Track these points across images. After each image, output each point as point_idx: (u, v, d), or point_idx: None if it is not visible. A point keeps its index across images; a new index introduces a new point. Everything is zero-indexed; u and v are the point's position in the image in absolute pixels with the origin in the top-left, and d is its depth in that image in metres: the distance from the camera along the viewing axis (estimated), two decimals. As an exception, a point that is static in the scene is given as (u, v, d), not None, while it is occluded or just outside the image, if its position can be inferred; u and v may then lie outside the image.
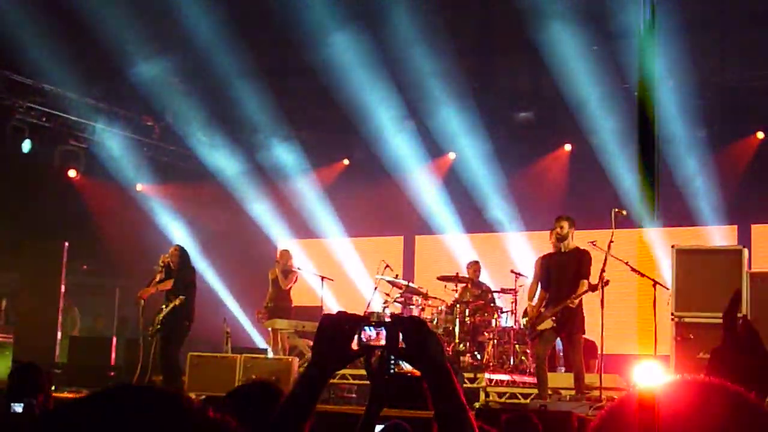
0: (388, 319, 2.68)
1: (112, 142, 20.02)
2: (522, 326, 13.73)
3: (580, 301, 12.18)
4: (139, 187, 21.30)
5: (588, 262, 12.41)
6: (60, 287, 17.38)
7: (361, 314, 2.75)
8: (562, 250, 12.44)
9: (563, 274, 12.34)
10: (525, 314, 13.22)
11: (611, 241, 12.36)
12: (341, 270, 20.25)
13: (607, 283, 12.08)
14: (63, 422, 1.44)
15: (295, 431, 2.53)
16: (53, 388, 13.00)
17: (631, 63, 16.53)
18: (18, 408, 7.01)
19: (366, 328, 2.63)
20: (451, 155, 20.06)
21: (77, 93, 18.80)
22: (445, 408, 2.50)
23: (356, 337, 2.63)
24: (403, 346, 2.59)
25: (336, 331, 2.63)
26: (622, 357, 14.89)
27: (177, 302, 14.06)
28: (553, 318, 12.20)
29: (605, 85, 17.36)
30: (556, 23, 16.76)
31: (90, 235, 19.92)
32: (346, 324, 2.64)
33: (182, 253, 14.62)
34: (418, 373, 2.66)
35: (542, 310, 12.37)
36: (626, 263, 13.04)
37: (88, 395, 1.50)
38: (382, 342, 2.61)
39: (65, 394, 11.94)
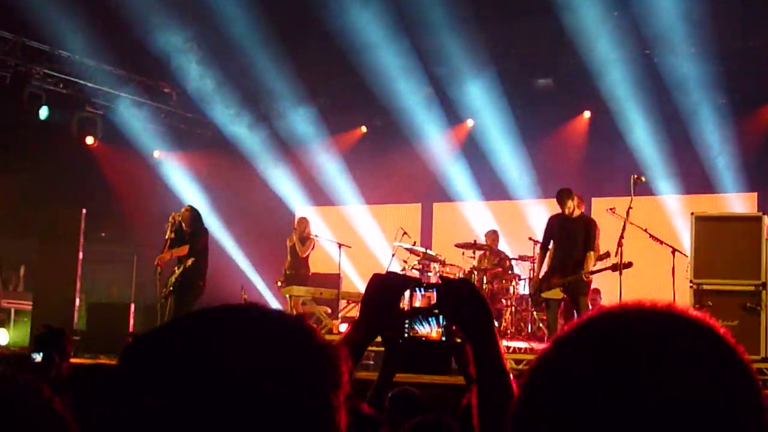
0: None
1: (130, 108, 20.00)
2: (530, 294, 13.69)
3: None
4: (156, 154, 21.30)
5: (595, 232, 12.53)
6: (78, 254, 17.36)
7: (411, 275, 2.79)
8: (568, 214, 12.54)
9: (571, 241, 12.43)
10: (532, 282, 13.26)
11: (630, 208, 12.39)
12: (359, 237, 20.25)
13: (629, 264, 12.12)
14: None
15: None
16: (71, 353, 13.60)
17: (652, 29, 16.35)
18: (38, 357, 7.05)
19: (416, 289, 2.63)
20: (470, 122, 19.94)
21: (94, 59, 18.73)
22: (489, 372, 2.47)
23: (406, 298, 2.62)
24: (451, 308, 2.57)
25: (385, 292, 2.62)
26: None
27: (188, 263, 14.08)
28: (562, 287, 12.26)
29: (625, 51, 17.17)
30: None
31: (107, 202, 20.04)
32: (396, 284, 2.64)
33: (194, 214, 14.55)
34: (434, 337, 2.64)
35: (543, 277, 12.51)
36: (645, 230, 13.05)
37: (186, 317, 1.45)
38: (432, 303, 2.58)
39: (83, 360, 11.97)
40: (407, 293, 2.64)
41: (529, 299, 13.90)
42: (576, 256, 12.38)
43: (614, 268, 12.11)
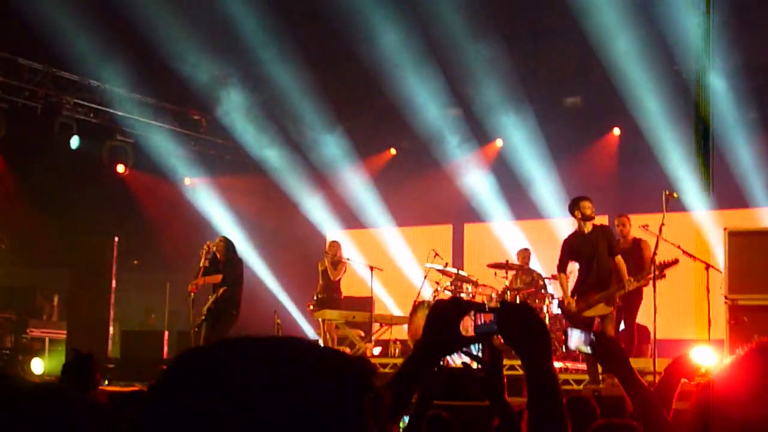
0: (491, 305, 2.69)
1: (160, 136, 20.07)
2: (565, 317, 13.28)
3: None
4: (187, 181, 21.48)
5: (613, 237, 12.48)
6: (111, 282, 17.47)
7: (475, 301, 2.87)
8: (586, 231, 12.39)
9: (596, 254, 12.25)
10: (563, 306, 12.86)
11: (662, 225, 12.19)
12: (390, 260, 20.17)
13: (663, 275, 12.08)
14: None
15: (394, 413, 2.60)
16: (106, 381, 13.66)
17: (681, 44, 16.26)
18: None
19: (477, 314, 2.65)
20: (499, 142, 19.88)
21: (124, 88, 18.87)
22: (545, 396, 2.49)
23: (469, 323, 2.65)
24: (512, 331, 2.59)
25: (449, 316, 2.64)
26: (675, 342, 14.73)
27: (221, 291, 14.17)
28: (607, 302, 12.09)
29: (654, 67, 17.09)
30: (603, 5, 16.49)
31: (140, 230, 20.15)
32: (458, 309, 2.65)
33: (228, 244, 14.66)
34: (468, 366, 2.73)
35: (575, 298, 12.33)
36: (678, 246, 12.90)
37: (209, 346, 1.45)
38: (494, 328, 2.61)
39: (117, 388, 12.01)
40: (468, 318, 2.66)
41: (568, 320, 13.28)
42: (608, 266, 12.25)
43: (661, 268, 12.03)
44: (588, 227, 12.37)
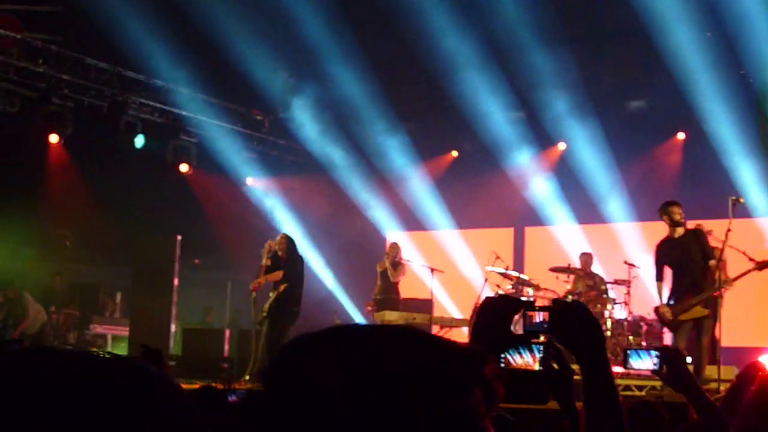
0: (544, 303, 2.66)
1: (223, 136, 20.17)
2: (661, 323, 13.03)
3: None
4: (249, 180, 21.49)
5: (706, 239, 12.35)
6: (173, 281, 17.55)
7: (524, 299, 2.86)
8: (676, 236, 12.28)
9: (690, 258, 12.14)
10: (658, 313, 12.53)
11: (729, 230, 12.02)
12: (450, 262, 19.98)
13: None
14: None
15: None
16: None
17: (748, 48, 16.12)
18: None
19: (528, 312, 2.61)
20: (561, 145, 19.73)
21: (188, 88, 19.03)
22: (601, 397, 2.45)
23: (520, 321, 2.62)
24: (564, 330, 2.56)
25: (498, 314, 2.59)
26: (741, 349, 14.57)
27: (282, 288, 14.16)
28: (704, 304, 11.98)
29: (720, 71, 16.90)
30: (668, 9, 16.35)
31: (202, 229, 20.12)
32: (508, 307, 2.60)
33: (289, 241, 14.66)
34: (530, 367, 2.64)
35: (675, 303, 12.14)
36: (744, 253, 12.65)
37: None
38: (544, 327, 2.58)
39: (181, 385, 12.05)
40: (518, 316, 2.61)
41: (666, 327, 13.13)
42: (701, 269, 12.13)
43: (761, 267, 12.03)
44: (678, 232, 12.29)
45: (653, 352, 3.31)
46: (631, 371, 2.68)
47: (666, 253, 12.32)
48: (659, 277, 12.42)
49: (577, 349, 2.51)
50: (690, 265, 12.11)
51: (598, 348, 2.49)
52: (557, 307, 2.59)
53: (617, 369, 13.87)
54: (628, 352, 3.20)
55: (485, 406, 1.39)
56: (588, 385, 2.45)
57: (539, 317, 2.60)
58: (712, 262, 12.08)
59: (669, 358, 3.06)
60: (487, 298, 2.67)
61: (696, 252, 12.12)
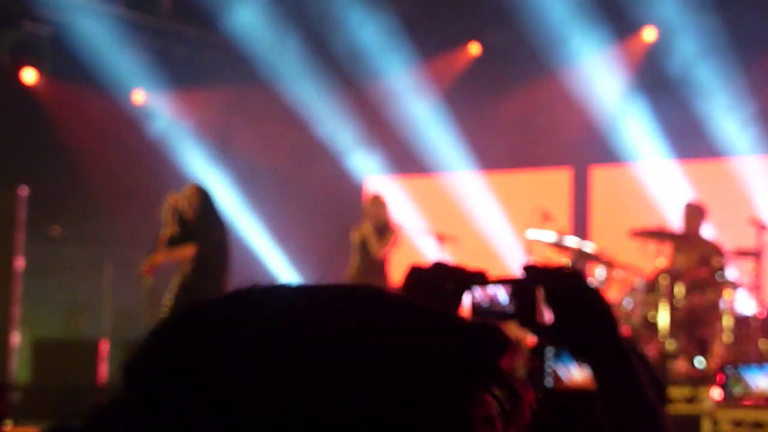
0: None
1: (94, 23, 15.71)
2: None
3: None
4: (138, 95, 17.09)
5: None
6: (14, 261, 13.82)
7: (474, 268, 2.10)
8: None
9: None
10: None
11: None
12: (469, 224, 16.35)
13: None
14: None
15: None
16: (8, 423, 12.26)
17: None
18: None
19: (482, 287, 2.03)
20: (649, 33, 15.63)
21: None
22: (624, 409, 1.84)
23: (469, 301, 2.07)
24: (546, 315, 1.96)
25: (431, 292, 2.04)
26: None
27: (191, 269, 11.73)
28: None
29: None
30: None
31: (61, 177, 16.31)
32: (447, 281, 2.06)
33: (204, 196, 12.17)
34: (589, 385, 2.04)
35: None
36: None
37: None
38: (509, 309, 1.97)
39: (25, 430, 11.42)
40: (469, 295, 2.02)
41: None
42: None
43: None
44: None
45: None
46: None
47: None
48: None
49: (573, 344, 1.95)
50: None
51: (609, 338, 1.88)
52: (530, 279, 1.96)
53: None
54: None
55: (503, 423, 1.11)
56: (602, 395, 1.85)
57: (500, 296, 2.01)
58: None
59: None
60: (414, 269, 2.15)
61: None
